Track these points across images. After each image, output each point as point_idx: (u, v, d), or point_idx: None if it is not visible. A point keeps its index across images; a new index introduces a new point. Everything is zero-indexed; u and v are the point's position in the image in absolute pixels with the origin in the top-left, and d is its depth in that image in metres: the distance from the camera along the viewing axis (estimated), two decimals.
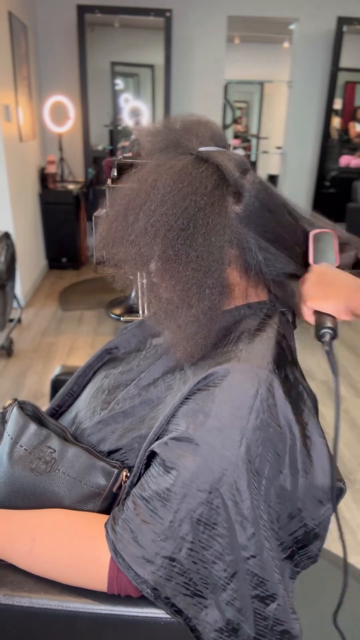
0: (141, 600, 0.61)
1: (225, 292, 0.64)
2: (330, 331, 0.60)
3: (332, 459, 0.63)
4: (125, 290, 3.42)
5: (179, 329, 0.64)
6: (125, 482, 0.67)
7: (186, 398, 0.61)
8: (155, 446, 0.61)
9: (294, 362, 0.69)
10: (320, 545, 0.67)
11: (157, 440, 0.62)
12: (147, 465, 0.64)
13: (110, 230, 0.65)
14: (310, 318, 0.63)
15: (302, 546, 0.65)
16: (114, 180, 2.07)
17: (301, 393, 0.65)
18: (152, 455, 0.62)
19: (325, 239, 0.69)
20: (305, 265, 0.69)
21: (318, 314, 0.62)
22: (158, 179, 0.62)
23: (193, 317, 0.62)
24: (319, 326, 0.61)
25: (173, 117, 0.72)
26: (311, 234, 0.70)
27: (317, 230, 0.70)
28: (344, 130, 4.96)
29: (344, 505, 1.72)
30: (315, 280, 0.64)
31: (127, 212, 0.63)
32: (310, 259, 0.68)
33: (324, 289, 0.62)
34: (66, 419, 0.82)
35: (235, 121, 7.06)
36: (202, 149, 0.66)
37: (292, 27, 4.37)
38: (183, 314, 0.63)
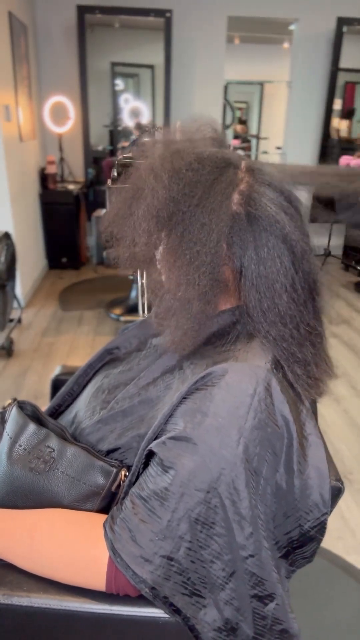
0: (140, 599, 0.61)
1: (219, 287, 0.64)
2: None
3: (330, 461, 0.63)
4: (125, 290, 3.42)
5: (171, 317, 0.65)
6: (124, 481, 0.67)
7: (184, 397, 0.62)
8: (153, 445, 0.61)
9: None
10: (316, 547, 0.67)
11: (155, 439, 0.62)
12: (146, 464, 0.64)
13: (116, 220, 0.67)
14: None
15: (297, 547, 0.65)
16: (114, 180, 2.07)
17: (299, 393, 0.65)
18: (151, 454, 0.63)
19: None
20: None
21: None
22: (161, 170, 0.63)
23: (183, 305, 0.63)
24: None
25: (173, 128, 0.73)
26: None
27: None
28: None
29: (343, 505, 1.72)
30: None
31: (132, 202, 0.65)
32: None
33: None
34: (66, 419, 0.82)
35: (240, 121, 7.06)
36: None
37: (292, 27, 4.37)
38: (176, 301, 0.64)
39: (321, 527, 0.65)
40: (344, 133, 4.77)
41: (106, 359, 0.87)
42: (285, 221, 0.63)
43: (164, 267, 0.67)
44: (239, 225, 0.62)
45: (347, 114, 4.77)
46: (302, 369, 0.64)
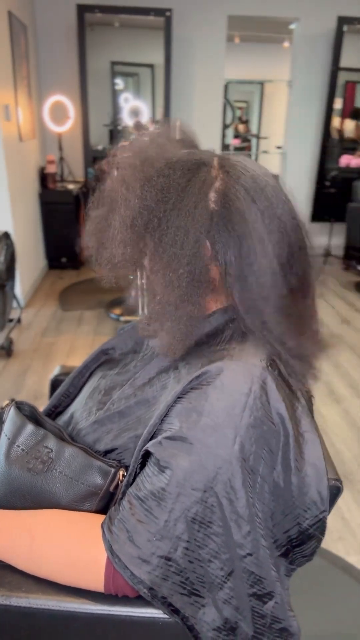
0: (138, 600, 0.61)
1: (204, 288, 0.64)
2: None
3: (327, 459, 0.63)
4: (125, 290, 3.42)
5: (155, 321, 0.65)
6: (122, 481, 0.67)
7: (179, 397, 0.62)
8: (149, 446, 0.61)
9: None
10: (316, 545, 0.67)
11: (151, 439, 0.62)
12: (143, 464, 0.64)
13: (96, 233, 0.68)
14: None
15: (296, 545, 0.65)
16: None
17: (295, 391, 0.65)
18: (147, 454, 0.63)
19: None
20: None
21: None
22: (132, 179, 0.64)
23: (165, 308, 0.63)
24: None
25: (173, 126, 0.74)
26: None
27: None
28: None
29: (344, 505, 1.71)
30: None
31: (108, 214, 0.66)
32: None
33: None
34: (62, 420, 0.82)
35: (241, 121, 7.06)
36: None
37: (292, 26, 4.37)
38: (157, 305, 0.64)
39: (320, 526, 0.65)
40: (349, 133, 4.77)
41: (102, 360, 0.87)
42: (265, 215, 0.63)
43: (148, 273, 0.68)
44: (218, 223, 0.62)
45: (354, 114, 4.77)
46: (294, 361, 0.64)
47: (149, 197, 0.62)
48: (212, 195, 0.62)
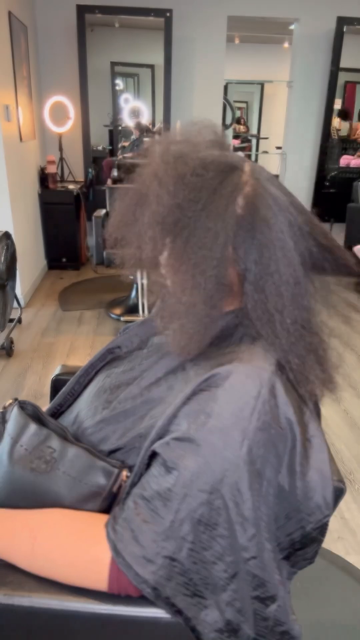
0: (141, 600, 0.61)
1: (225, 290, 0.64)
2: None
3: (332, 462, 0.63)
4: (125, 290, 3.42)
5: (177, 320, 0.65)
6: (125, 481, 0.67)
7: (188, 398, 0.62)
8: (156, 446, 0.61)
9: None
10: (317, 548, 0.67)
11: (158, 440, 0.62)
12: (148, 465, 0.64)
13: (121, 227, 0.68)
14: None
15: (298, 548, 0.65)
16: (114, 181, 2.07)
17: (303, 395, 0.65)
18: (154, 455, 0.63)
19: None
20: None
21: None
22: (165, 175, 0.63)
23: (189, 309, 0.63)
24: None
25: (173, 128, 0.73)
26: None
27: None
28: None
29: (344, 505, 1.72)
30: None
31: (136, 209, 0.65)
32: None
33: None
34: (67, 418, 0.82)
35: (239, 121, 7.07)
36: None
37: (292, 27, 4.37)
38: (181, 305, 0.64)
39: (322, 528, 0.65)
40: (341, 133, 4.77)
41: (108, 359, 0.87)
42: (292, 225, 0.63)
43: (169, 271, 0.68)
44: (243, 229, 0.62)
45: (342, 114, 4.78)
46: (305, 370, 0.64)
47: (181, 195, 0.61)
48: (240, 200, 0.62)
